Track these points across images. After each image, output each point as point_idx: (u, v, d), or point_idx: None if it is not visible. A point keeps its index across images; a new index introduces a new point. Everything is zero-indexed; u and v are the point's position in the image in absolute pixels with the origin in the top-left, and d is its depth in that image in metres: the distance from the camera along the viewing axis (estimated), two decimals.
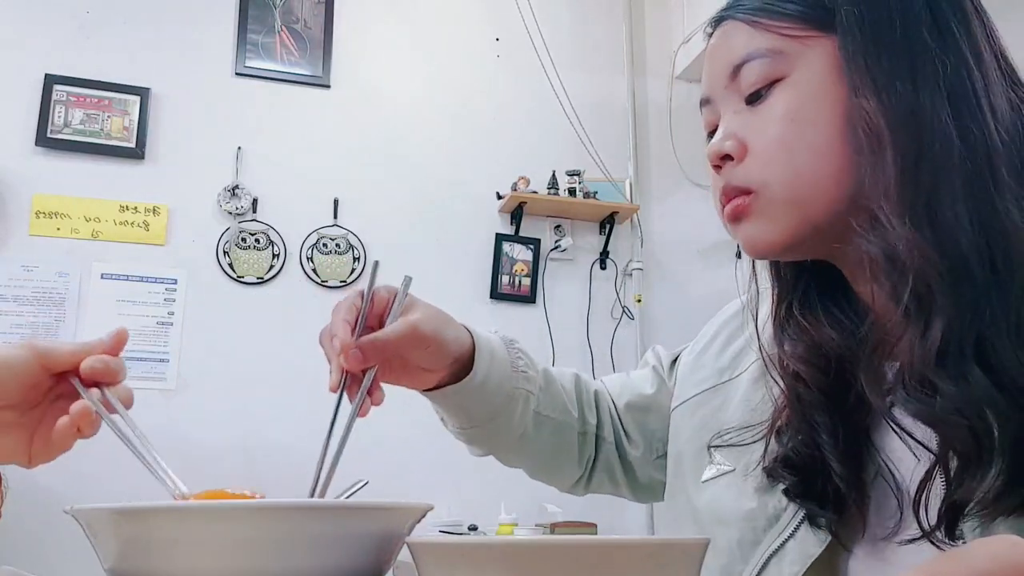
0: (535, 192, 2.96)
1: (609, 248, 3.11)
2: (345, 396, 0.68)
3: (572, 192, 2.99)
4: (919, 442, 0.53)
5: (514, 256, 3.00)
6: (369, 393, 0.67)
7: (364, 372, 0.68)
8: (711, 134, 0.65)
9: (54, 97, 2.65)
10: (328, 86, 2.94)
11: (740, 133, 0.61)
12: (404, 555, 0.50)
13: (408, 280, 0.72)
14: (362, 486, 0.62)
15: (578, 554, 0.40)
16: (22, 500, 2.32)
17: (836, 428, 0.59)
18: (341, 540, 0.47)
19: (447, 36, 3.13)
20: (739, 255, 3.23)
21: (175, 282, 2.67)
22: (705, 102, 0.66)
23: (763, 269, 0.70)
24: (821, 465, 0.59)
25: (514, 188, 2.95)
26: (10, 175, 2.58)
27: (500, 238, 2.99)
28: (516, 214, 2.99)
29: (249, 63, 2.88)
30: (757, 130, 0.60)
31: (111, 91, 2.71)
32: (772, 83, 0.60)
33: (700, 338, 0.86)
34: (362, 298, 0.72)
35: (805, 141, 0.58)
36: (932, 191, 0.54)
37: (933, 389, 0.52)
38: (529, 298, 2.99)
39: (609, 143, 3.15)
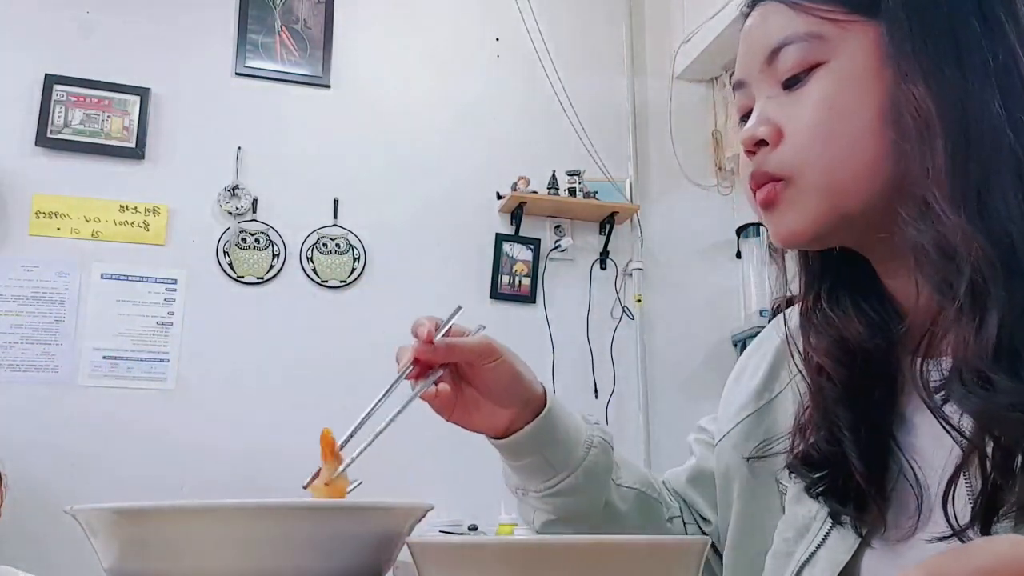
0: (535, 192, 2.96)
1: (609, 248, 3.10)
2: (408, 383, 0.71)
3: (572, 192, 2.99)
4: (967, 438, 0.52)
5: (514, 256, 3.00)
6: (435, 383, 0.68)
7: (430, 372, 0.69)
8: (744, 119, 0.63)
9: (54, 97, 2.65)
10: (328, 86, 2.94)
11: (775, 118, 0.60)
12: (404, 555, 0.50)
13: (480, 327, 0.75)
14: (357, 485, 0.62)
15: (578, 554, 0.40)
16: (22, 500, 2.32)
17: (858, 425, 0.58)
18: (341, 540, 0.47)
19: (447, 36, 3.13)
20: (739, 255, 3.23)
21: (175, 282, 2.67)
22: (739, 85, 0.64)
23: (791, 262, 0.69)
24: (842, 462, 0.58)
25: (514, 188, 2.95)
26: (10, 175, 2.58)
27: (500, 238, 2.99)
28: (516, 214, 2.99)
29: (249, 63, 2.88)
30: (793, 116, 0.59)
31: (111, 91, 2.71)
32: (810, 68, 0.58)
33: (730, 377, 0.83)
34: (442, 321, 0.73)
35: (843, 128, 0.57)
36: (982, 180, 0.53)
37: (988, 384, 0.50)
38: (529, 298, 2.99)
39: (609, 143, 3.15)
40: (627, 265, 3.12)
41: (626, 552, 0.41)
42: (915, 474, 0.57)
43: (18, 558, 2.24)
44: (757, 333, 2.71)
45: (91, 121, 2.68)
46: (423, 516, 0.53)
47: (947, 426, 0.53)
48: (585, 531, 0.77)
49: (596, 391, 2.96)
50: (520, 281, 2.99)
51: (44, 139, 2.62)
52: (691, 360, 3.09)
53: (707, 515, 0.82)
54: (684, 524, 0.81)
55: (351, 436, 0.64)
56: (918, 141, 0.54)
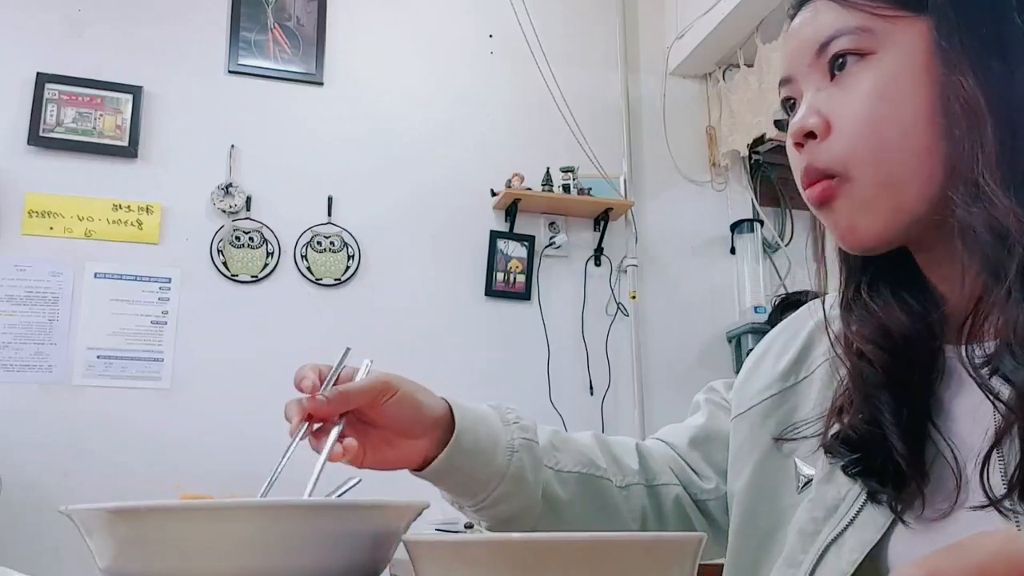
0: (529, 189, 2.96)
1: (603, 244, 3.11)
2: (310, 444, 0.67)
3: (566, 189, 2.99)
4: (1010, 408, 0.53)
5: (509, 253, 3.00)
6: (340, 440, 0.66)
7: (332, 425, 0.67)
8: (787, 110, 0.65)
9: (46, 96, 2.64)
10: (321, 83, 2.94)
11: (824, 110, 0.61)
12: (400, 553, 0.50)
13: (368, 363, 0.73)
14: (354, 484, 0.62)
15: (574, 551, 0.40)
16: (16, 500, 2.31)
17: (899, 408, 0.60)
18: (337, 539, 0.47)
19: (440, 33, 3.13)
20: (733, 251, 3.24)
21: (169, 281, 2.66)
22: (785, 81, 0.65)
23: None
24: (882, 443, 0.59)
25: (508, 185, 2.95)
26: (2, 174, 2.57)
27: (494, 235, 2.99)
28: (510, 211, 2.99)
29: (242, 61, 2.87)
30: (842, 107, 0.60)
31: (103, 89, 2.70)
32: (860, 56, 0.60)
33: (752, 355, 0.83)
34: (329, 368, 0.71)
35: (893, 117, 0.58)
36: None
37: None
38: (524, 295, 2.99)
39: (603, 139, 3.15)
40: (622, 261, 3.12)
41: (622, 549, 0.41)
42: (953, 454, 0.58)
43: (13, 558, 2.23)
44: (752, 329, 2.72)
45: (83, 120, 2.67)
46: (419, 514, 0.53)
47: (992, 398, 0.55)
48: (530, 528, 0.76)
49: (591, 388, 2.96)
50: (515, 278, 2.99)
51: (36, 138, 2.61)
52: (686, 356, 3.10)
53: (706, 474, 0.81)
54: (651, 490, 0.80)
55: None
56: (968, 128, 0.56)
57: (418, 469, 0.73)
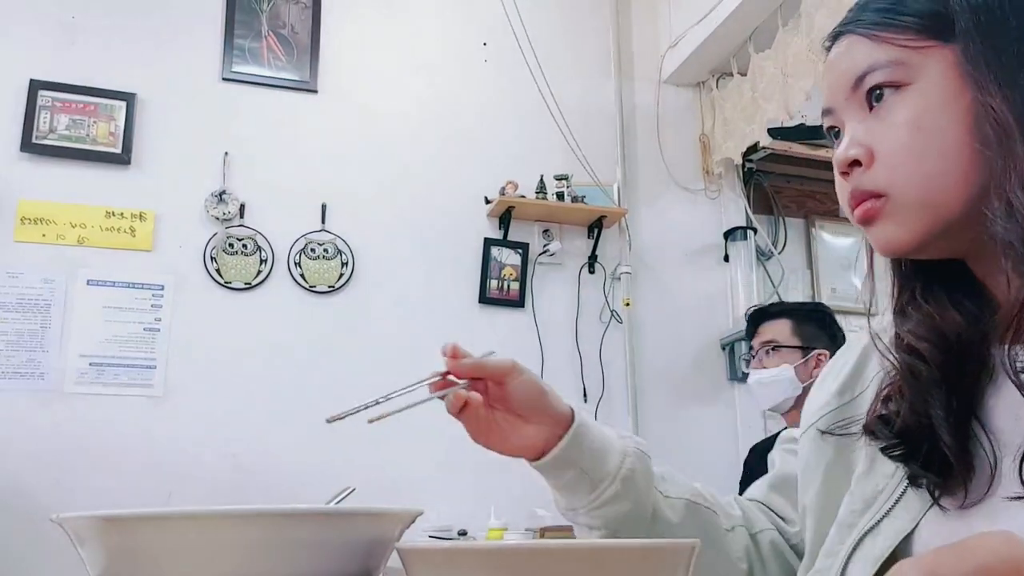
0: (523, 196, 2.96)
1: (597, 252, 3.11)
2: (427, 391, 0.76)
3: (560, 196, 2.99)
4: None
5: (503, 260, 3.00)
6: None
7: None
8: (832, 137, 0.69)
9: (39, 102, 2.64)
10: (315, 91, 2.94)
11: (866, 140, 0.64)
12: (394, 560, 0.50)
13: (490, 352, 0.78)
14: (350, 492, 0.62)
15: (567, 558, 0.40)
16: (7, 508, 2.30)
17: (950, 402, 0.62)
18: (330, 546, 0.47)
19: (435, 41, 3.13)
20: (726, 259, 3.25)
21: (162, 288, 2.66)
22: (827, 112, 0.69)
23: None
24: (928, 433, 0.62)
25: (502, 192, 2.95)
26: None
27: (488, 243, 2.99)
28: (504, 218, 2.99)
29: (236, 68, 2.87)
30: (883, 137, 0.63)
31: (97, 96, 2.70)
32: (895, 88, 0.63)
33: (816, 382, 0.86)
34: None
35: (932, 146, 0.61)
36: None
37: None
38: (518, 303, 2.99)
39: (597, 147, 3.15)
40: (615, 269, 3.12)
41: (615, 555, 0.41)
42: (991, 446, 0.61)
43: (3, 568, 2.22)
44: (745, 337, 2.69)
45: (77, 127, 2.66)
46: (413, 521, 0.53)
47: None
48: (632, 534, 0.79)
49: (585, 395, 2.96)
50: (509, 286, 2.99)
51: (29, 145, 2.61)
52: (680, 363, 3.10)
53: (790, 517, 0.85)
54: (750, 532, 0.84)
55: (350, 414, 0.69)
56: (999, 147, 0.59)
57: (535, 460, 0.78)
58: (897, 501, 0.64)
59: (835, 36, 0.69)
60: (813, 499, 0.76)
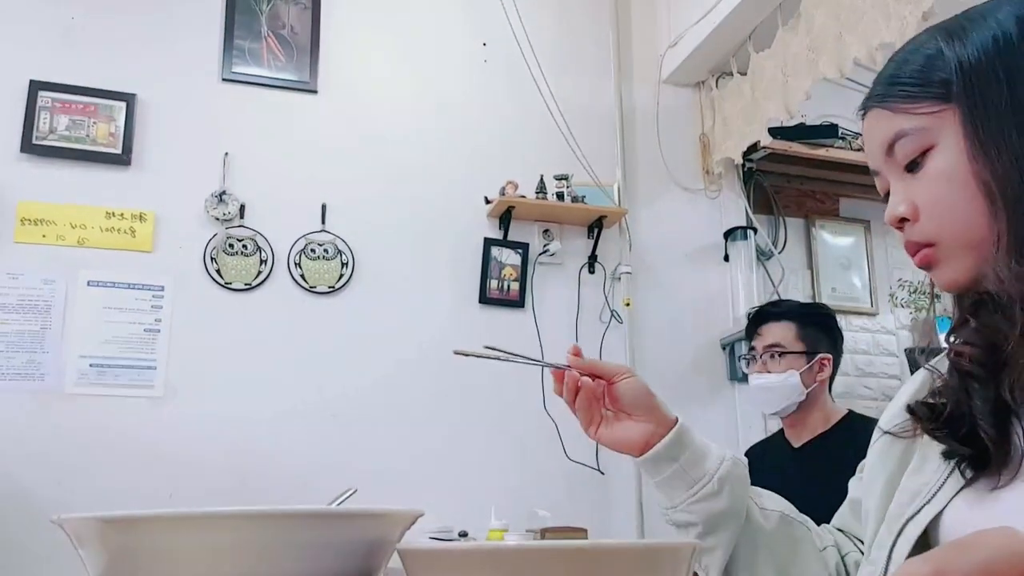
0: (523, 196, 2.96)
1: (597, 252, 3.11)
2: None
3: (560, 196, 2.99)
4: None
5: (503, 261, 3.00)
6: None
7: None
8: (886, 196, 0.77)
9: (39, 103, 2.64)
10: (315, 91, 2.94)
11: (908, 197, 0.72)
12: (395, 561, 0.50)
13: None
14: (351, 494, 0.62)
15: (568, 558, 0.40)
16: (7, 509, 2.30)
17: (991, 396, 0.66)
18: (331, 547, 0.47)
19: (434, 41, 3.13)
20: (727, 259, 3.25)
21: (162, 289, 2.65)
22: (875, 173, 0.77)
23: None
24: (969, 420, 0.67)
25: (502, 193, 2.95)
26: None
27: (488, 243, 2.99)
28: (504, 219, 2.99)
29: (236, 68, 2.87)
30: (921, 193, 0.71)
31: (97, 97, 2.70)
32: (924, 152, 0.70)
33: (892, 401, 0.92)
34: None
35: (962, 196, 0.68)
36: None
37: None
38: (518, 303, 2.99)
39: (597, 147, 3.15)
40: (615, 269, 3.12)
41: (615, 556, 0.41)
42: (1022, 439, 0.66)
43: (4, 569, 2.22)
44: (745, 337, 2.65)
45: (77, 127, 2.66)
46: (413, 522, 0.53)
47: None
48: (732, 542, 0.86)
49: None
50: (509, 286, 2.99)
51: (29, 146, 2.61)
52: (680, 363, 3.10)
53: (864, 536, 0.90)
54: (841, 555, 0.90)
55: (471, 354, 0.85)
56: (989, 206, 0.67)
57: (639, 456, 0.87)
58: (938, 491, 0.69)
59: (864, 109, 0.76)
60: (874, 503, 0.80)
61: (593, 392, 0.88)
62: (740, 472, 0.87)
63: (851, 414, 2.14)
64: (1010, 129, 0.66)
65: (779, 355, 2.11)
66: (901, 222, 0.73)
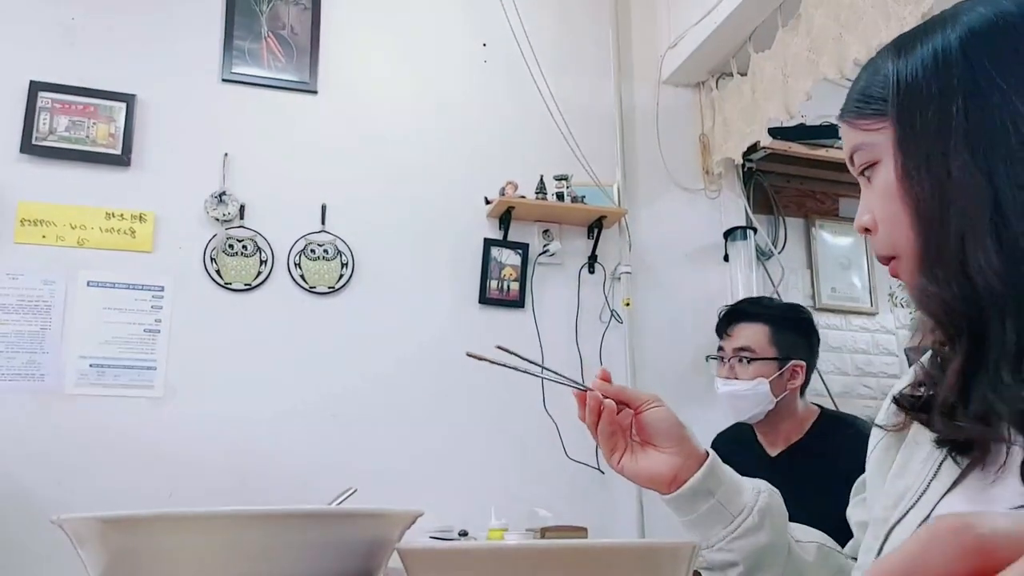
0: (523, 197, 2.96)
1: (597, 252, 3.11)
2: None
3: (560, 197, 2.99)
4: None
5: (502, 261, 3.00)
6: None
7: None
8: None
9: (39, 104, 2.64)
10: (315, 92, 2.94)
11: (868, 209, 0.74)
12: (395, 561, 0.50)
13: None
14: (351, 493, 0.62)
15: (568, 558, 0.40)
16: (7, 510, 2.30)
17: (971, 386, 0.66)
18: (331, 547, 0.47)
19: (434, 42, 3.13)
20: (726, 258, 3.25)
21: (162, 289, 2.66)
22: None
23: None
24: (950, 412, 0.67)
25: (502, 193, 2.95)
26: None
27: (488, 243, 2.99)
28: (504, 219, 2.99)
29: (236, 69, 2.87)
30: (875, 207, 0.73)
31: (96, 98, 2.70)
32: (871, 166, 0.72)
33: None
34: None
35: (899, 214, 0.69)
36: (959, 247, 0.64)
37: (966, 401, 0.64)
38: (518, 303, 2.99)
39: (597, 147, 3.15)
40: (615, 269, 3.12)
41: (616, 555, 0.41)
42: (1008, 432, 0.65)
43: (4, 569, 2.22)
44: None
45: (76, 128, 2.66)
46: (413, 522, 0.53)
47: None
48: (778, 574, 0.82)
49: None
50: (509, 286, 2.99)
51: (29, 146, 2.61)
52: (680, 363, 3.10)
53: None
54: None
55: (484, 359, 0.82)
56: (915, 219, 0.67)
57: (668, 492, 0.82)
58: (923, 493, 0.68)
59: (839, 122, 0.78)
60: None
61: (616, 418, 0.83)
62: (777, 503, 0.83)
63: (823, 414, 2.01)
64: (936, 148, 0.65)
65: (748, 360, 1.97)
66: (866, 231, 0.75)
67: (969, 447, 0.65)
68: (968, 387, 0.64)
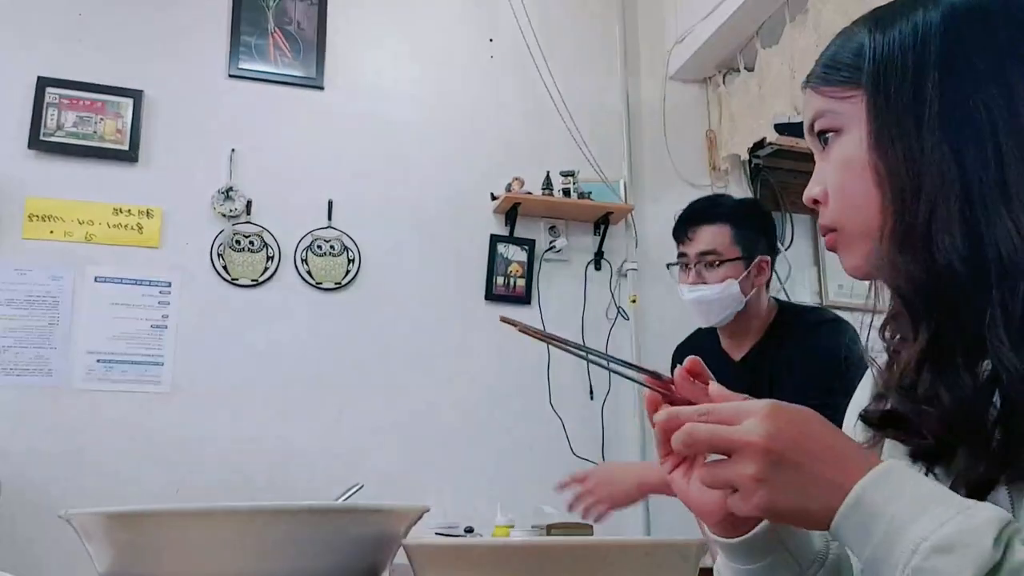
0: (529, 193, 2.96)
1: (604, 248, 3.11)
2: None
3: (566, 193, 2.99)
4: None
5: (509, 257, 3.00)
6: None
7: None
8: None
9: (47, 100, 2.64)
10: (322, 87, 2.94)
11: (821, 180, 0.74)
12: (400, 557, 0.50)
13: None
14: (358, 489, 0.62)
15: (574, 555, 0.40)
16: (16, 504, 2.31)
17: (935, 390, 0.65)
18: (337, 542, 0.47)
19: (441, 37, 3.13)
20: None
21: (169, 285, 2.66)
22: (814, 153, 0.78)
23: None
24: (915, 419, 0.65)
25: (508, 189, 2.95)
26: (2, 178, 2.57)
27: (495, 239, 2.99)
28: (510, 215, 2.99)
29: (242, 65, 2.87)
30: (829, 177, 0.73)
31: (104, 93, 2.70)
32: (834, 133, 0.71)
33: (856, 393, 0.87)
34: None
35: (859, 185, 0.69)
36: (926, 224, 0.64)
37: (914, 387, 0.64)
38: (524, 299, 2.99)
39: (603, 143, 3.15)
40: (622, 265, 3.12)
41: (622, 552, 0.41)
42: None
43: (12, 563, 2.23)
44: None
45: (84, 124, 2.67)
46: (419, 518, 0.53)
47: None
48: None
49: (591, 392, 2.96)
50: (515, 282, 2.99)
51: (37, 142, 2.61)
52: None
53: None
54: None
55: (530, 333, 0.70)
56: (880, 197, 0.67)
57: (720, 530, 0.65)
58: None
59: (803, 88, 0.77)
60: None
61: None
62: (847, 555, 0.72)
63: (780, 308, 1.98)
64: (909, 122, 0.65)
65: (716, 264, 1.91)
66: (815, 203, 0.74)
67: (948, 448, 0.64)
68: (922, 371, 0.65)
